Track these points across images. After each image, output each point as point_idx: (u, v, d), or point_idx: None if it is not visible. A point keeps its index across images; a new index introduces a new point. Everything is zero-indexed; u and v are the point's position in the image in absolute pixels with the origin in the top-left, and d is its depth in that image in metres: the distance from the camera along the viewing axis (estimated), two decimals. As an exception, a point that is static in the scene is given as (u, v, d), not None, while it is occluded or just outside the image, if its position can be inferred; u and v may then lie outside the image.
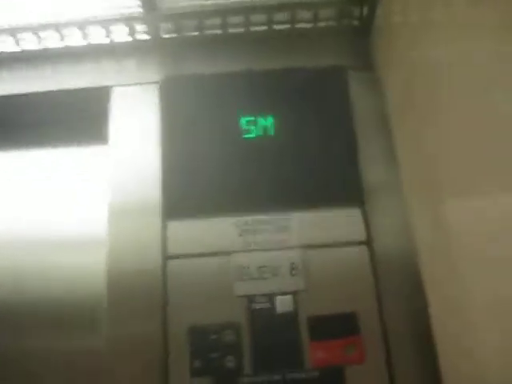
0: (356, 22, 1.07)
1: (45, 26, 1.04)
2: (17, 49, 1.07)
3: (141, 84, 1.04)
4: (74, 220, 1.07)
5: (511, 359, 0.74)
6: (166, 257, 0.91)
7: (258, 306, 0.88)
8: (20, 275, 1.03)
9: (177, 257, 0.91)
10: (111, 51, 1.08)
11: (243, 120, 0.99)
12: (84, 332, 0.98)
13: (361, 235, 0.92)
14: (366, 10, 1.05)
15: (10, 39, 1.06)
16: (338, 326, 0.86)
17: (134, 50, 1.09)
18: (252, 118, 0.99)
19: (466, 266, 0.81)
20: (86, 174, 1.10)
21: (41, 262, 1.04)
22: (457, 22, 0.93)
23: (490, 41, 0.93)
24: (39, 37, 1.06)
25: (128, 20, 1.03)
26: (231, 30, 1.07)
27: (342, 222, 0.92)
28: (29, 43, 1.07)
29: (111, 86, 1.05)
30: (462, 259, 0.81)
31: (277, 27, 1.07)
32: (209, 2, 1.02)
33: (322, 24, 1.07)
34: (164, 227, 0.93)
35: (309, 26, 1.07)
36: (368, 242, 0.91)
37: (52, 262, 1.04)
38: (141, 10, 1.02)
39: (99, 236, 0.95)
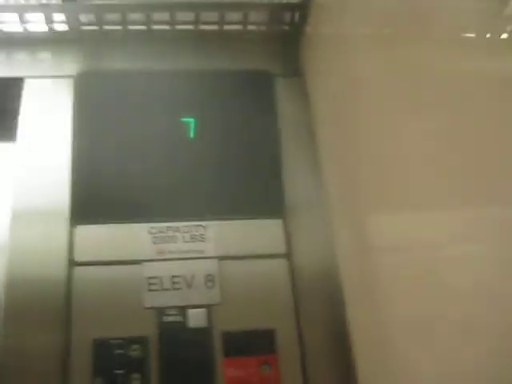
0: (286, 28, 1.04)
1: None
2: None
3: (56, 77, 0.97)
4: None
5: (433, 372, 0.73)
6: (73, 263, 0.84)
7: (168, 320, 0.82)
8: None
9: (84, 264, 0.84)
10: (26, 41, 1.01)
11: (162, 121, 0.94)
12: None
13: (281, 248, 0.88)
14: (297, 16, 1.01)
15: None
16: (254, 343, 0.82)
17: (51, 41, 1.01)
18: (172, 119, 0.94)
19: (385, 283, 0.78)
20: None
21: None
22: (383, 36, 0.92)
23: (416, 55, 0.92)
24: None
25: (45, 8, 0.96)
26: (155, 27, 1.01)
27: (261, 234, 0.88)
28: None
29: (23, 78, 0.97)
30: (381, 275, 0.79)
31: (204, 27, 1.02)
32: (134, -5, 0.96)
33: (251, 27, 1.03)
34: (71, 232, 0.86)
35: (238, 27, 1.03)
36: (288, 255, 0.87)
37: None
38: (60, -2, 0.94)
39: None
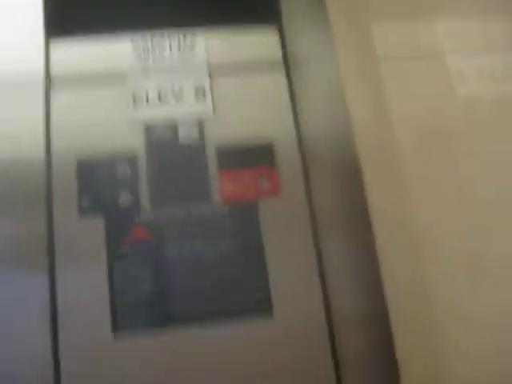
0: None
1: None
2: None
3: None
4: None
5: (446, 230, 0.73)
6: (50, 81, 0.76)
7: (157, 135, 0.75)
8: None
9: (62, 82, 0.76)
10: None
11: None
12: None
13: (277, 55, 0.79)
14: None
15: None
16: (251, 156, 0.75)
17: None
18: None
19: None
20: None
21: None
22: None
23: None
24: None
25: None
26: None
27: (254, 40, 0.80)
28: None
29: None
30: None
31: None
32: None
33: None
34: (47, 47, 0.77)
35: None
36: (284, 64, 0.79)
37: None
38: None
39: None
